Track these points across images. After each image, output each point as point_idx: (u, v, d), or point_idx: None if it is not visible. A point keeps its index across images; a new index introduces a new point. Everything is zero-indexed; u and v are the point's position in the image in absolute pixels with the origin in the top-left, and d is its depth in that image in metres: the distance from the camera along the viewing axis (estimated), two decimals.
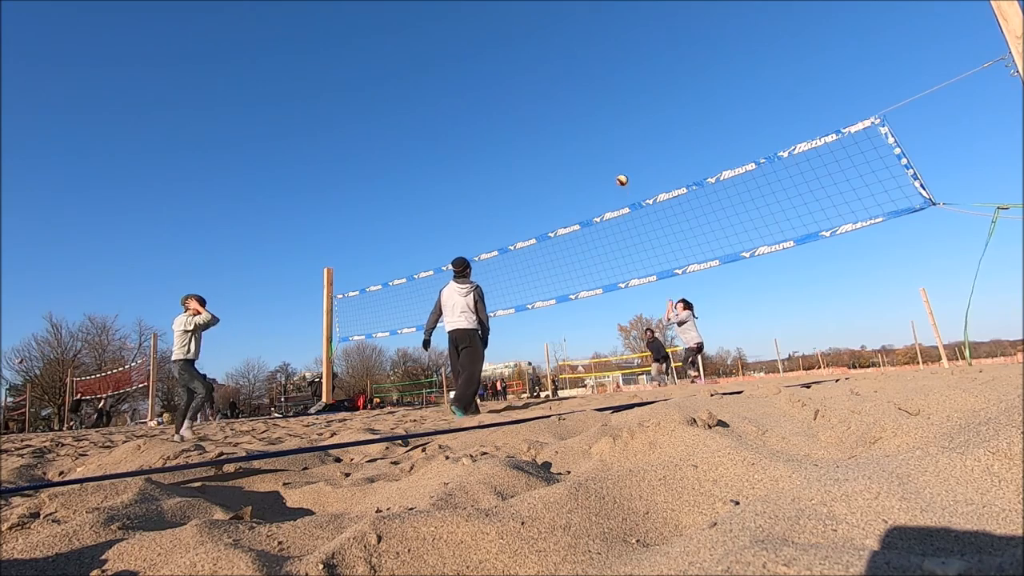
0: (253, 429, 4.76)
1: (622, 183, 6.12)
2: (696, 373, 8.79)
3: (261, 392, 43.96)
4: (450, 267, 5.31)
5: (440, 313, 5.25)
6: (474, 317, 5.10)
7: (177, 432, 4.69)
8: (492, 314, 7.94)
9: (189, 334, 4.97)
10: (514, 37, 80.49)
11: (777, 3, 73.95)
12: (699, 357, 8.57)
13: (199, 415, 4.85)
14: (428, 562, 0.74)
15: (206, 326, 5.04)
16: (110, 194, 57.53)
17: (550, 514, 0.82)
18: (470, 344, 5.02)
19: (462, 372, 4.96)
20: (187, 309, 5.05)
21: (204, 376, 5.07)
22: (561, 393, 22.59)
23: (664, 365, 10.50)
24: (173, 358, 5.00)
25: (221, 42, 66.50)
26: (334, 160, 73.26)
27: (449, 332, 5.12)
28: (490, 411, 4.78)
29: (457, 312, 5.08)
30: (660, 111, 79.00)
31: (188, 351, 4.96)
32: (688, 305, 8.08)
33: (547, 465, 1.39)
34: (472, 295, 5.12)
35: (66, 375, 22.81)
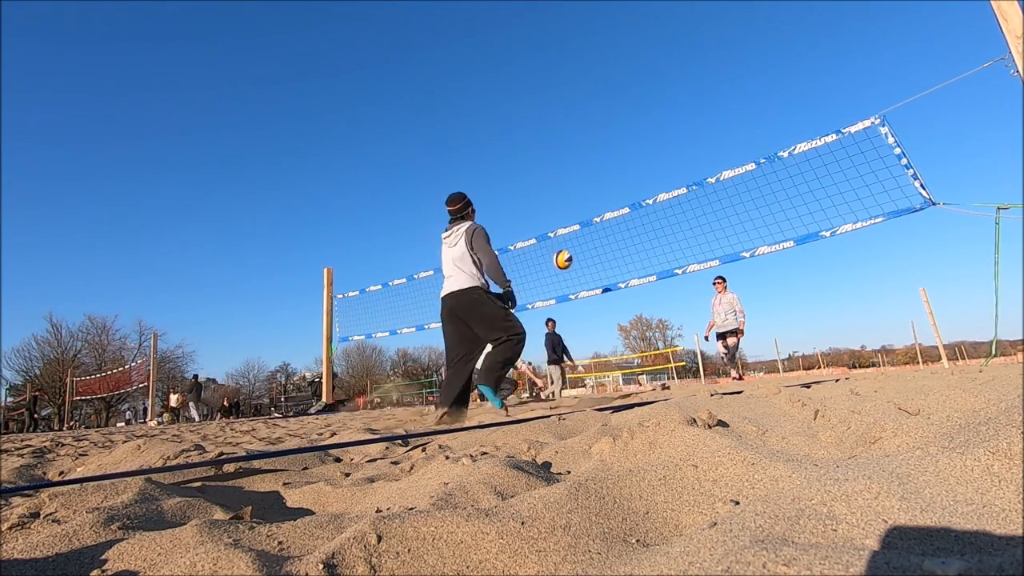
0: (253, 429, 4.76)
1: (563, 264, 4.54)
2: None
3: (261, 392, 43.99)
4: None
5: None
6: (473, 271, 3.54)
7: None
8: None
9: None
10: (510, 36, 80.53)
11: (777, 3, 73.95)
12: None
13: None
14: (428, 562, 0.74)
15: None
16: (110, 193, 57.54)
17: (550, 514, 0.82)
18: (479, 306, 3.48)
19: (493, 345, 3.48)
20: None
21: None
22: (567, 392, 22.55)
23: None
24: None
25: (220, 35, 66.51)
26: (335, 159, 73.22)
27: (441, 299, 3.66)
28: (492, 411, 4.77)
29: (450, 270, 3.62)
30: (659, 111, 79.00)
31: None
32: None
33: (547, 465, 1.39)
34: (463, 240, 3.57)
35: (66, 375, 22.81)
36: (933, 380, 2.24)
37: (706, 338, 8.70)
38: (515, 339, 3.47)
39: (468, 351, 3.61)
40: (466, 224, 3.66)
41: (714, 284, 8.50)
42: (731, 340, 8.26)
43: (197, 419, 15.45)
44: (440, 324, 3.72)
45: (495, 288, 3.69)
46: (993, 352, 4.24)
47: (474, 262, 3.57)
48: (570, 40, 79.04)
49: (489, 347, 3.61)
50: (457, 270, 3.58)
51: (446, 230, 3.75)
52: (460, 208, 3.70)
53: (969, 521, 0.62)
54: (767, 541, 0.57)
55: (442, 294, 3.66)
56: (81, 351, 32.17)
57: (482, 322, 3.49)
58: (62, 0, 53.05)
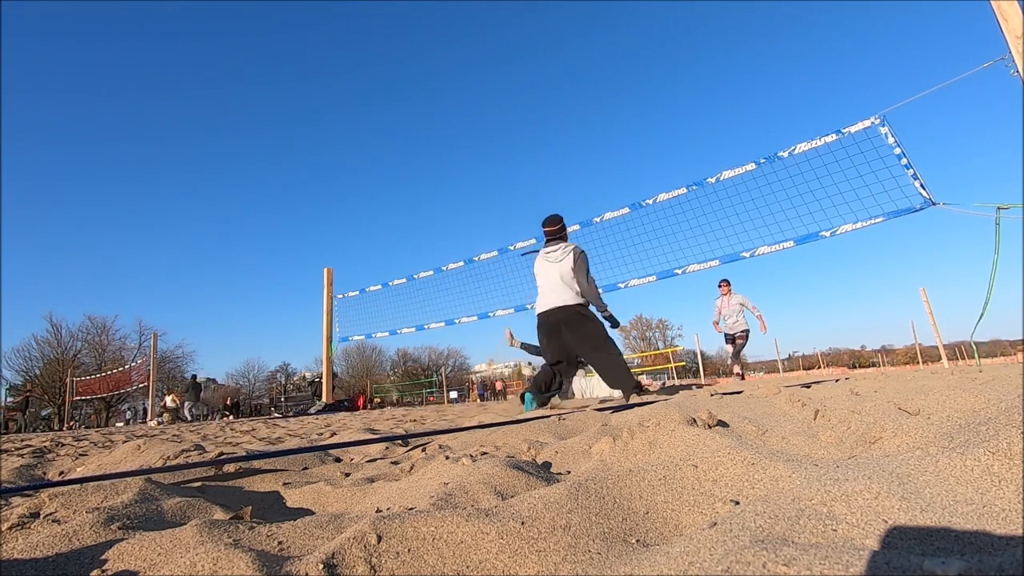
0: (253, 429, 4.76)
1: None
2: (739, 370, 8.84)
3: (261, 392, 43.96)
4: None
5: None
6: (577, 289, 3.80)
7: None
8: (491, 313, 7.91)
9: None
10: (510, 36, 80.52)
11: (777, 3, 73.96)
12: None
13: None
14: (428, 562, 0.74)
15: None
16: (110, 193, 57.55)
17: (550, 514, 0.82)
18: (582, 325, 3.73)
19: (599, 364, 3.71)
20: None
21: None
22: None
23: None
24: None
25: (220, 35, 66.49)
26: (334, 159, 73.18)
27: (541, 315, 3.88)
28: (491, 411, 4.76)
29: (553, 286, 3.83)
30: (659, 111, 79.00)
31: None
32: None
33: (547, 465, 1.39)
34: (570, 257, 3.80)
35: (66, 375, 22.82)
36: (933, 380, 2.24)
37: (716, 329, 8.84)
38: (619, 354, 3.79)
39: (568, 362, 3.91)
40: (571, 245, 3.93)
41: (719, 287, 8.58)
42: (739, 341, 8.53)
43: (189, 419, 15.20)
44: (540, 335, 3.93)
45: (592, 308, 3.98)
46: (976, 352, 4.24)
47: (577, 281, 3.86)
48: (570, 40, 79.08)
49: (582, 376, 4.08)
50: (563, 286, 3.84)
51: (546, 246, 4.03)
52: (558, 230, 4.04)
53: (969, 521, 0.62)
54: (767, 541, 0.57)
55: (543, 308, 3.90)
56: (81, 351, 32.11)
57: (586, 339, 3.75)
58: (62, 0, 53.10)
